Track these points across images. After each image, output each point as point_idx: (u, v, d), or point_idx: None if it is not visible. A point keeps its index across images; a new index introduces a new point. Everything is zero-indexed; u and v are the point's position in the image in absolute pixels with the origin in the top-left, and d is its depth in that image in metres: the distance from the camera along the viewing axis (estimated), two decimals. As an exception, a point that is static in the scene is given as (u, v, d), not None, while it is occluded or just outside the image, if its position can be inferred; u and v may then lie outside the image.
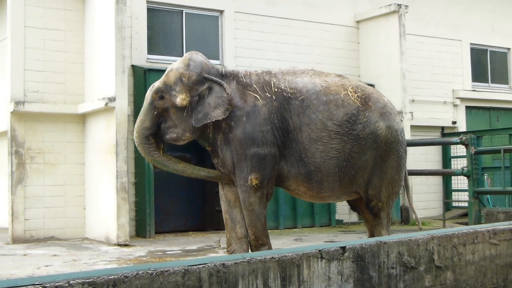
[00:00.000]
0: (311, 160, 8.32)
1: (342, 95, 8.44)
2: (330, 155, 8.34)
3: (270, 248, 8.50)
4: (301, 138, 8.31)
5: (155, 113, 8.42)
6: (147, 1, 14.62)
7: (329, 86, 8.49)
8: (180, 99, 8.24)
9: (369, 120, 8.47)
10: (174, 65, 8.63)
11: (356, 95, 8.52)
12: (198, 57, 8.58)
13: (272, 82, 8.44)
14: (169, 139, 8.51)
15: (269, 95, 8.33)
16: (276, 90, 8.39)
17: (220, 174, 8.68)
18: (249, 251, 8.66)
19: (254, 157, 8.21)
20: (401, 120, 8.96)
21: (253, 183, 8.22)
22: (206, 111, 8.23)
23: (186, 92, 8.26)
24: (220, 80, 8.37)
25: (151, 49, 14.71)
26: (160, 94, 8.39)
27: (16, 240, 12.70)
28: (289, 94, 8.36)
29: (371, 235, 9.16)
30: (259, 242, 8.47)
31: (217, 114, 8.19)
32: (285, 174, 8.49)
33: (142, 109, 8.66)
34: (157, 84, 8.54)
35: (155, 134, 8.50)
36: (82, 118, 13.61)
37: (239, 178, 8.32)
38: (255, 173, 8.21)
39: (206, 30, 15.63)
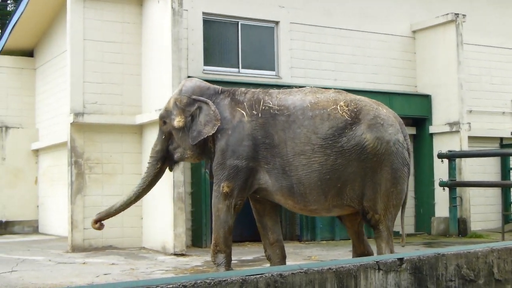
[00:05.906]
0: (293, 173, 8.51)
1: (329, 110, 8.51)
2: (313, 168, 8.45)
3: (228, 256, 8.73)
4: (285, 152, 8.54)
5: (163, 137, 9.34)
6: (203, 13, 14.76)
7: (318, 102, 8.65)
8: (177, 121, 9.06)
9: (355, 133, 8.42)
10: (173, 93, 9.51)
11: (347, 108, 8.55)
12: (191, 81, 9.37)
13: (262, 101, 8.83)
14: (176, 158, 9.38)
15: (255, 112, 8.75)
16: (263, 108, 8.77)
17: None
18: (284, 254, 9.13)
19: (232, 167, 8.66)
20: (400, 131, 8.65)
21: (224, 191, 8.68)
22: (199, 129, 8.90)
23: (180, 115, 9.05)
24: (206, 99, 8.95)
25: (207, 61, 14.84)
26: (163, 119, 9.29)
27: (75, 249, 12.92)
28: (275, 111, 8.68)
29: (355, 251, 9.28)
30: (217, 248, 8.75)
31: (207, 130, 8.82)
32: (270, 189, 8.74)
33: None
34: (161, 111, 9.45)
35: (165, 158, 9.36)
36: (139, 129, 13.79)
37: (214, 183, 8.84)
38: (228, 182, 8.67)
39: (262, 41, 15.69)
